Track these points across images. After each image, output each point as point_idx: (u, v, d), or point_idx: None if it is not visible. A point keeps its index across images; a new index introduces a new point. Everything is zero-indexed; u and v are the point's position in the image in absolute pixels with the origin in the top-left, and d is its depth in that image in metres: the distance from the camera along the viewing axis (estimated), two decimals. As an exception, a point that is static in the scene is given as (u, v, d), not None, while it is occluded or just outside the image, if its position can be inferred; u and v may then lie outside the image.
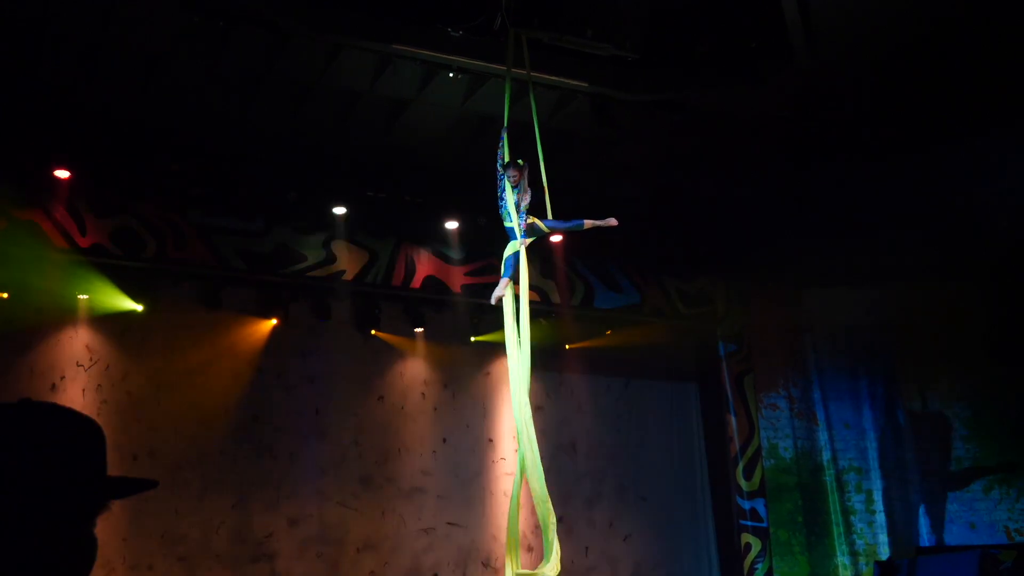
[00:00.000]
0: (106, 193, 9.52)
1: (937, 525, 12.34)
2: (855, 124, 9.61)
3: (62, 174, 9.21)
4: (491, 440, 11.45)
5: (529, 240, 7.27)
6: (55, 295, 9.41)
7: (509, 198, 7.11)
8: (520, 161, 7.14)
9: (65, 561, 1.54)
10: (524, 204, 7.14)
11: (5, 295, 9.16)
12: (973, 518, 12.32)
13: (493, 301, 7.31)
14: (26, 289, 9.23)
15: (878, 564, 11.18)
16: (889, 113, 9.44)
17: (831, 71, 8.67)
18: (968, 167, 9.90)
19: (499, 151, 7.26)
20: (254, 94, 9.02)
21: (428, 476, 11.10)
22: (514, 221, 7.13)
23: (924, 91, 9.10)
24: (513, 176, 7.11)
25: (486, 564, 11.15)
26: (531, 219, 7.20)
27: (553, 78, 8.69)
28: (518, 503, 7.17)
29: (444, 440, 11.31)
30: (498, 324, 11.05)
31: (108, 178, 9.49)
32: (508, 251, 7.16)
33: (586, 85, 8.97)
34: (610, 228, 7.48)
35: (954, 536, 12.23)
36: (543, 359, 9.87)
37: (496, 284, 7.31)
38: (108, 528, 9.08)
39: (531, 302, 7.47)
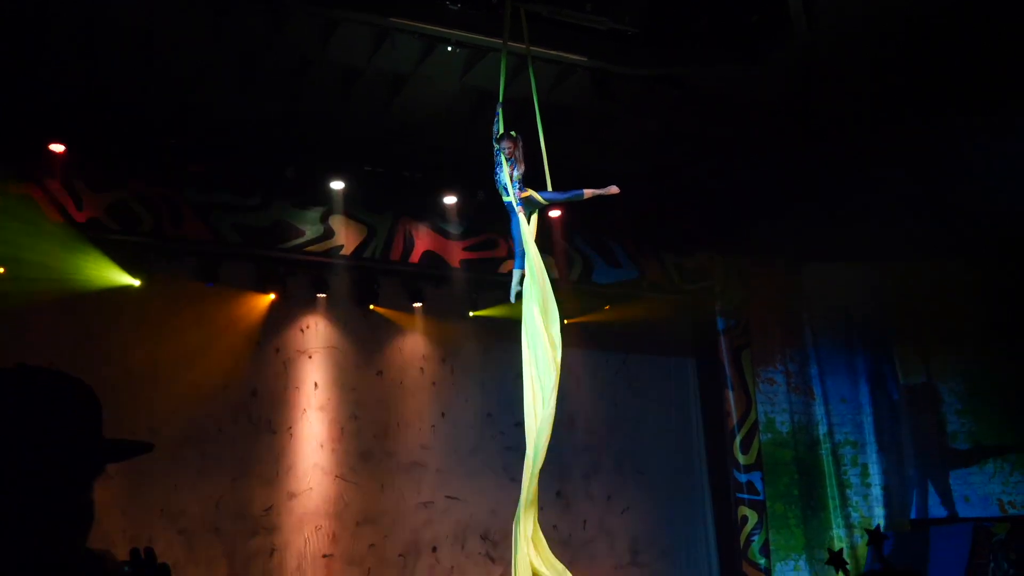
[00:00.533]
0: (102, 168, 9.44)
1: (932, 498, 12.39)
2: (855, 101, 9.52)
3: (57, 148, 9.14)
4: (490, 415, 11.44)
5: (529, 212, 7.21)
6: (51, 270, 9.33)
7: (505, 171, 7.04)
8: (513, 133, 7.07)
9: (64, 523, 1.54)
10: (517, 174, 7.07)
11: (1, 270, 9.09)
12: (967, 491, 12.37)
13: (512, 299, 7.16)
14: (22, 264, 9.15)
15: (870, 532, 11.20)
16: (888, 91, 9.35)
17: (830, 47, 8.59)
18: (968, 146, 9.82)
19: (494, 125, 7.20)
20: (252, 69, 8.92)
21: (427, 450, 11.10)
22: (511, 194, 7.07)
23: (924, 69, 9.02)
24: (507, 147, 7.05)
25: (484, 537, 11.17)
26: (528, 192, 7.12)
27: (552, 52, 8.60)
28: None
29: (443, 415, 11.32)
30: (497, 299, 11.07)
31: (104, 153, 9.40)
32: (515, 231, 7.07)
33: (585, 59, 8.88)
34: (610, 200, 7.41)
35: (948, 509, 12.28)
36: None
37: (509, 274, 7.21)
38: (108, 502, 9.09)
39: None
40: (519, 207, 7.08)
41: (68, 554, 1.51)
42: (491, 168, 7.23)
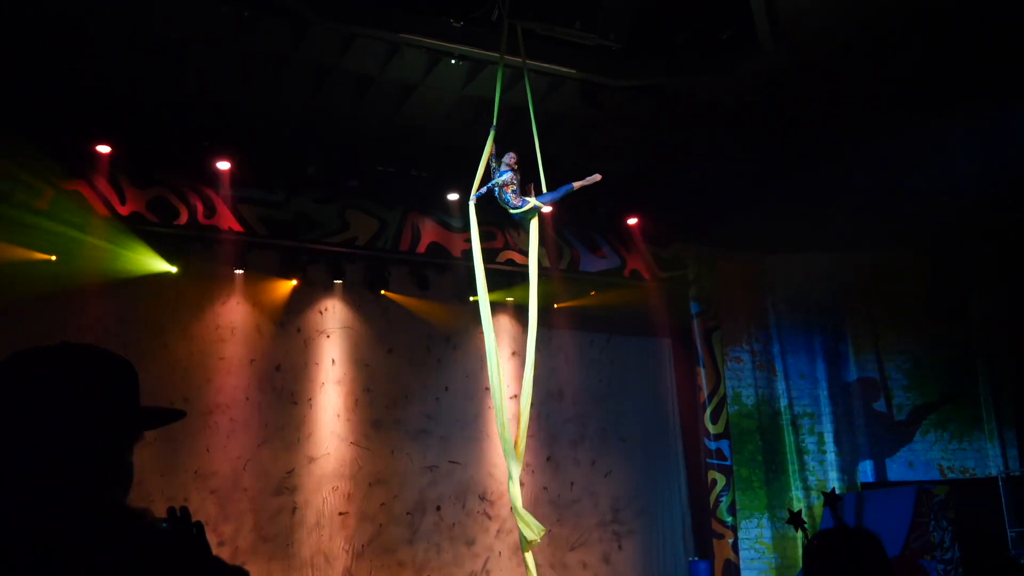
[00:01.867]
0: (143, 166, 9.43)
1: (879, 464, 12.43)
2: (815, 107, 9.53)
3: (103, 149, 9.14)
4: (487, 388, 11.42)
5: (530, 219, 7.25)
6: (98, 258, 9.32)
7: (508, 186, 7.04)
8: (513, 155, 7.12)
9: (106, 482, 1.55)
10: (515, 184, 7.08)
11: (53, 258, 9.08)
12: (911, 457, 12.41)
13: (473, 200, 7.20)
14: (72, 253, 9.15)
15: (826, 494, 11.23)
16: (844, 97, 9.36)
17: (794, 60, 8.58)
18: (910, 150, 9.85)
19: (492, 155, 7.11)
20: (277, 77, 8.90)
21: (432, 420, 11.10)
22: (512, 205, 7.08)
23: (876, 76, 9.02)
24: (509, 164, 7.05)
25: (483, 497, 11.19)
26: (531, 202, 7.14)
27: (544, 65, 8.59)
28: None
29: (446, 388, 11.31)
30: (495, 286, 11.09)
31: (145, 153, 9.37)
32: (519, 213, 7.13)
33: (574, 72, 8.86)
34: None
35: (894, 473, 12.32)
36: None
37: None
38: (147, 465, 9.09)
39: (520, 266, 7.47)
40: (522, 208, 7.11)
41: (110, 510, 1.52)
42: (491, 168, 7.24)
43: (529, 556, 7.10)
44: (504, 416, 7.05)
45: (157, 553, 1.48)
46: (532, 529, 6.91)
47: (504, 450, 7.18)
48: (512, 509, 7.16)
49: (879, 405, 12.60)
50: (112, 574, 1.41)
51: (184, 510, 1.62)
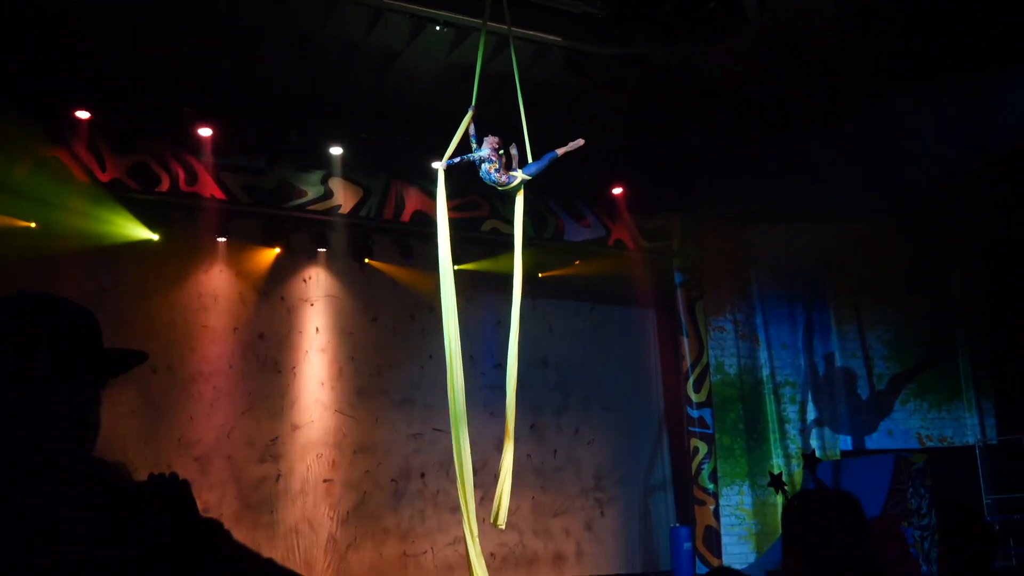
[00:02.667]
0: (123, 132, 9.34)
1: (860, 432, 12.59)
2: (799, 78, 9.55)
3: (83, 115, 9.06)
4: (472, 357, 11.42)
5: (515, 191, 7.24)
6: (79, 225, 9.26)
7: (491, 165, 7.02)
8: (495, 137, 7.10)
9: (69, 432, 1.51)
10: (497, 163, 7.07)
11: (33, 224, 9.01)
12: (891, 426, 12.58)
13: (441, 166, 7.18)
14: (51, 220, 9.07)
15: (805, 456, 11.28)
16: (827, 68, 9.39)
17: (779, 31, 8.60)
18: (892, 123, 9.90)
19: (472, 135, 7.08)
20: (259, 43, 8.83)
21: (416, 388, 11.13)
22: (499, 182, 7.07)
23: (858, 49, 9.06)
24: (492, 144, 7.02)
25: (466, 465, 11.26)
26: (517, 176, 7.12)
27: (530, 32, 8.57)
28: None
29: (430, 357, 11.21)
30: (479, 255, 11.10)
31: (125, 119, 9.29)
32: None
33: (560, 39, 8.84)
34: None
35: (873, 442, 12.49)
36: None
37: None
38: (130, 433, 9.10)
39: (504, 235, 7.48)
40: (510, 188, 7.11)
41: (75, 460, 1.47)
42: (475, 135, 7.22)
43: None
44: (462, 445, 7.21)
45: (132, 505, 1.45)
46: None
47: (462, 504, 7.23)
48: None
49: (860, 375, 12.75)
50: (84, 527, 1.38)
51: (173, 475, 1.59)
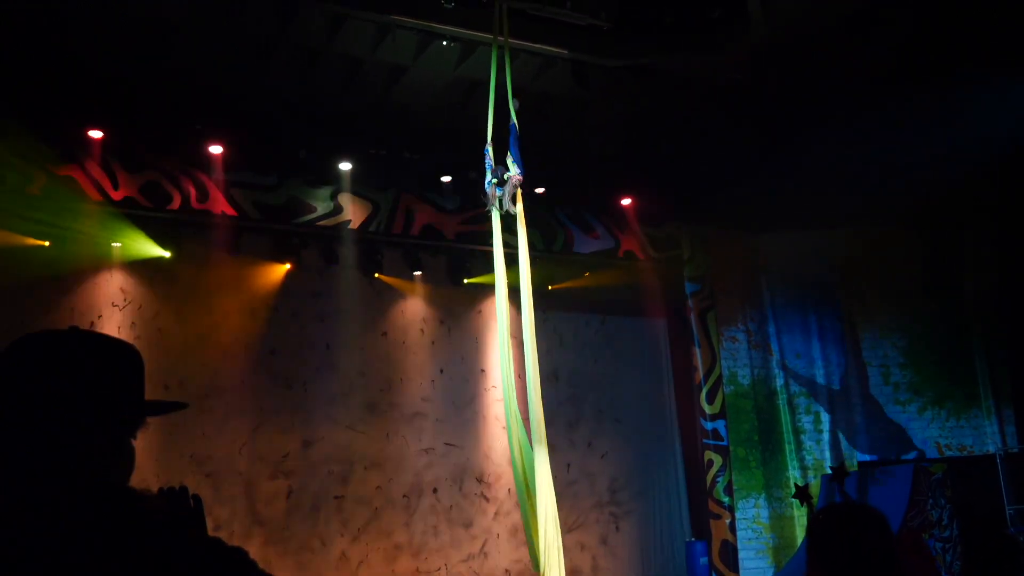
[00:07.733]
0: (136, 151, 9.58)
1: (877, 442, 12.60)
2: (806, 85, 9.71)
3: (96, 134, 9.29)
4: (483, 370, 11.62)
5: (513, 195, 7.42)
6: (91, 243, 9.50)
7: (505, 194, 7.24)
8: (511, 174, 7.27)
9: (110, 467, 1.60)
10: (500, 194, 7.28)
11: (47, 243, 9.25)
12: (908, 436, 12.57)
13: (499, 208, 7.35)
14: (65, 238, 9.31)
15: (834, 469, 11.19)
16: (833, 76, 9.53)
17: (785, 36, 8.75)
18: (904, 125, 10.00)
19: (487, 167, 7.28)
20: (267, 60, 9.05)
21: (427, 402, 11.25)
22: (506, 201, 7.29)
23: (864, 55, 9.19)
24: (518, 178, 7.21)
25: (479, 479, 11.36)
26: (515, 177, 7.29)
27: (536, 45, 8.76)
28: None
29: (441, 371, 11.42)
30: (488, 268, 11.22)
31: (137, 138, 9.53)
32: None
33: (566, 52, 9.02)
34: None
35: (891, 452, 12.48)
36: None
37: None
38: (143, 448, 9.18)
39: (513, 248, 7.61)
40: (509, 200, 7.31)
41: (114, 493, 1.56)
42: (483, 148, 7.42)
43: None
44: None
45: (160, 535, 1.53)
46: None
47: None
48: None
49: (875, 382, 12.79)
50: (115, 556, 1.45)
51: (184, 489, 1.71)
